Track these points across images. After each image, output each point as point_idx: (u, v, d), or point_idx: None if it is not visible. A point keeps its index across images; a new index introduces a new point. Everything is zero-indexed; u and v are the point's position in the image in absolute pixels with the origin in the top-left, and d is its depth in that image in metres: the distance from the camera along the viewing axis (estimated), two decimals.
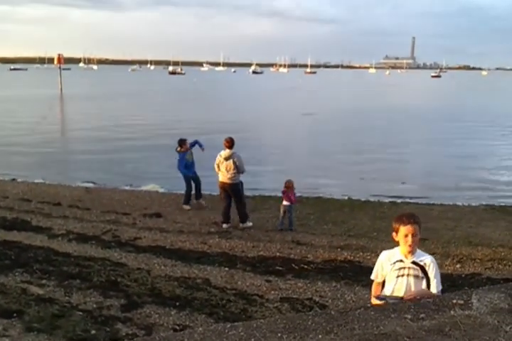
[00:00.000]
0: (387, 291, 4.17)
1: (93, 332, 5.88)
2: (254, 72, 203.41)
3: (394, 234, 4.04)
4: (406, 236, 3.93)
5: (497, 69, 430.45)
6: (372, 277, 4.29)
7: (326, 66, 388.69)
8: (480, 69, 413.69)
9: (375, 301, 4.16)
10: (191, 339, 3.59)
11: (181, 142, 13.13)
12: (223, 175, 11.26)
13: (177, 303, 6.84)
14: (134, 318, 6.34)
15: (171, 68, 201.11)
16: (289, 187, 11.50)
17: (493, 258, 9.30)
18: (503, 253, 9.61)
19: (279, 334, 3.63)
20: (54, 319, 6.17)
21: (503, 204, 15.17)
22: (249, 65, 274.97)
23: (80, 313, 6.40)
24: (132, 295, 7.06)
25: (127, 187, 16.51)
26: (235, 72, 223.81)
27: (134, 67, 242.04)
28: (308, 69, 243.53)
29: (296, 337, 3.61)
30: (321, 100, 62.04)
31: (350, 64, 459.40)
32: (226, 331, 3.71)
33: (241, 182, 11.58)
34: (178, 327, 6.04)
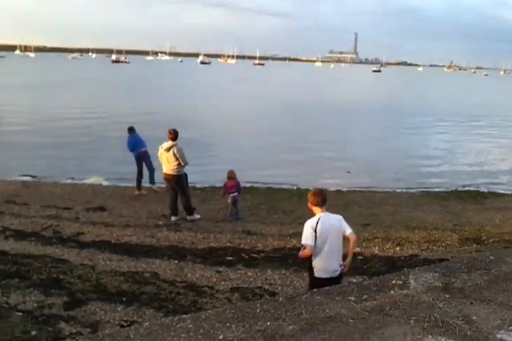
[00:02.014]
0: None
1: (34, 332, 5.63)
2: (202, 63, 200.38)
3: (309, 204, 5.63)
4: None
5: (431, 65, 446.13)
6: (303, 242, 5.45)
7: (273, 58, 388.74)
8: (416, 65, 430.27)
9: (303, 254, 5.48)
10: (137, 335, 3.58)
11: (130, 130, 13.82)
12: (166, 167, 11.10)
13: (124, 299, 6.69)
14: (78, 316, 6.13)
15: (114, 56, 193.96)
16: (231, 177, 11.54)
17: (429, 240, 9.77)
18: (437, 235, 10.13)
19: (228, 324, 3.69)
20: None
21: (437, 190, 16.19)
22: (196, 55, 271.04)
23: (20, 314, 6.11)
24: (76, 293, 6.83)
25: (69, 181, 15.86)
26: (181, 61, 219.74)
27: (75, 55, 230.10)
28: (257, 61, 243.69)
29: (245, 325, 3.67)
30: (270, 91, 62.01)
31: (297, 57, 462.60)
32: (174, 324, 3.73)
33: (185, 175, 11.41)
34: (125, 323, 5.91)
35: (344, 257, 5.62)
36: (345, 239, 5.60)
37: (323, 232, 5.40)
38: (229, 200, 11.60)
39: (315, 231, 5.37)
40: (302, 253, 5.49)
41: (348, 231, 5.53)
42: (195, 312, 4.79)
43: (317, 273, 5.58)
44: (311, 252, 5.43)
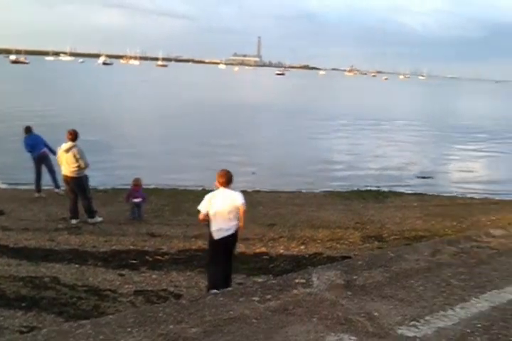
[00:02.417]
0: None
1: None
2: (103, 63, 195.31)
3: (216, 183, 6.68)
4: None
5: (333, 69, 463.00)
6: (200, 209, 6.71)
7: (177, 60, 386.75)
8: (318, 69, 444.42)
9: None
10: None
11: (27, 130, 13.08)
12: (65, 169, 10.60)
13: (23, 304, 6.40)
14: None
15: (13, 57, 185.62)
16: (137, 185, 11.46)
17: (332, 238, 10.02)
18: (340, 234, 10.42)
19: (129, 329, 3.57)
20: None
21: (339, 190, 16.55)
22: (97, 55, 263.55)
23: None
24: None
25: None
26: (82, 62, 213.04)
27: None
28: (160, 62, 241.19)
29: (146, 330, 3.57)
30: (174, 93, 61.40)
31: (201, 59, 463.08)
32: (73, 330, 3.56)
33: (86, 177, 10.92)
34: (24, 329, 5.62)
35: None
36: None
37: (218, 203, 6.64)
38: (132, 204, 11.45)
39: (210, 201, 6.66)
40: (198, 217, 6.83)
41: (240, 202, 6.62)
42: (96, 317, 4.60)
43: (214, 234, 6.72)
44: (203, 217, 6.73)
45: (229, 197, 6.62)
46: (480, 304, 4.26)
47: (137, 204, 11.42)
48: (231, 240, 6.76)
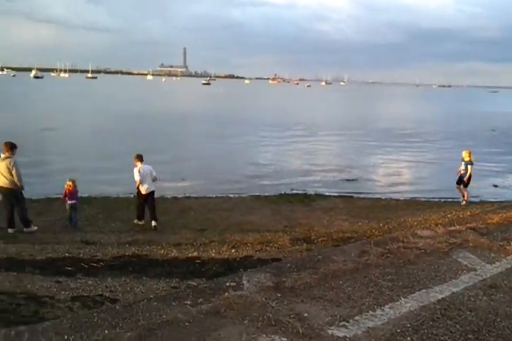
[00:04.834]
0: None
1: None
2: (35, 77, 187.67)
3: (134, 162, 11.78)
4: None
5: (257, 78, 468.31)
6: (135, 178, 11.70)
7: (106, 72, 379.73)
8: (243, 78, 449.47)
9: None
10: None
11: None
12: (1, 180, 10.26)
13: None
14: None
15: None
16: (71, 186, 11.42)
17: (262, 241, 10.00)
18: (269, 237, 10.43)
19: (66, 336, 3.45)
20: None
21: (267, 194, 16.54)
22: (28, 69, 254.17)
23: None
24: None
25: None
26: (14, 76, 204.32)
27: None
28: (90, 75, 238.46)
29: (82, 336, 3.46)
30: (103, 105, 59.65)
31: (129, 70, 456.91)
32: (11, 339, 3.41)
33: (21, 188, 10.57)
34: None
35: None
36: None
37: (143, 172, 11.64)
38: (67, 207, 11.38)
39: (139, 172, 11.59)
40: (136, 184, 11.74)
41: (154, 173, 11.95)
42: (36, 323, 4.41)
43: (142, 191, 11.74)
44: (139, 183, 11.64)
45: (147, 169, 11.78)
46: (409, 304, 4.26)
47: (72, 206, 11.41)
48: (152, 194, 11.93)
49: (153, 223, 11.60)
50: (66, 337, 3.44)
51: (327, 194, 16.92)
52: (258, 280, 4.53)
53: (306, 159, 25.53)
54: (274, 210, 13.75)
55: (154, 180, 11.97)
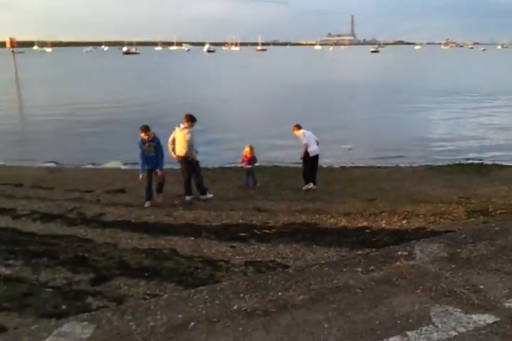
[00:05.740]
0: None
1: (64, 307, 5.74)
2: (208, 51, 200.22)
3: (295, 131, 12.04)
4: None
5: (428, 43, 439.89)
6: (304, 142, 11.70)
7: (275, 44, 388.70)
8: (413, 44, 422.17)
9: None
10: (157, 306, 3.62)
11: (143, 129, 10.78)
12: (180, 149, 10.96)
13: (146, 274, 6.77)
14: (104, 291, 6.23)
15: (125, 48, 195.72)
16: (249, 152, 12.29)
17: (435, 213, 9.55)
18: (443, 208, 9.89)
19: (242, 295, 3.70)
20: (23, 297, 6.01)
21: (440, 164, 15.68)
22: (201, 44, 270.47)
23: (50, 290, 6.25)
24: (101, 269, 6.94)
25: (89, 166, 16.18)
26: (188, 51, 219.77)
27: (89, 48, 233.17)
28: (259, 47, 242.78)
29: (258, 296, 3.68)
30: (278, 75, 61.37)
31: (297, 41, 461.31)
32: (191, 296, 3.75)
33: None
34: (148, 297, 5.93)
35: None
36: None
37: (308, 136, 11.94)
38: (246, 171, 12.44)
39: (304, 135, 11.83)
40: (303, 148, 11.87)
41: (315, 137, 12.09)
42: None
43: (310, 153, 11.86)
44: (307, 145, 11.79)
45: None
46: None
47: (250, 171, 12.28)
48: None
49: (313, 186, 12.08)
50: (242, 295, 3.69)
51: (505, 164, 15.57)
52: (431, 251, 4.38)
53: (482, 128, 23.58)
54: (448, 180, 12.98)
55: (317, 143, 12.08)
